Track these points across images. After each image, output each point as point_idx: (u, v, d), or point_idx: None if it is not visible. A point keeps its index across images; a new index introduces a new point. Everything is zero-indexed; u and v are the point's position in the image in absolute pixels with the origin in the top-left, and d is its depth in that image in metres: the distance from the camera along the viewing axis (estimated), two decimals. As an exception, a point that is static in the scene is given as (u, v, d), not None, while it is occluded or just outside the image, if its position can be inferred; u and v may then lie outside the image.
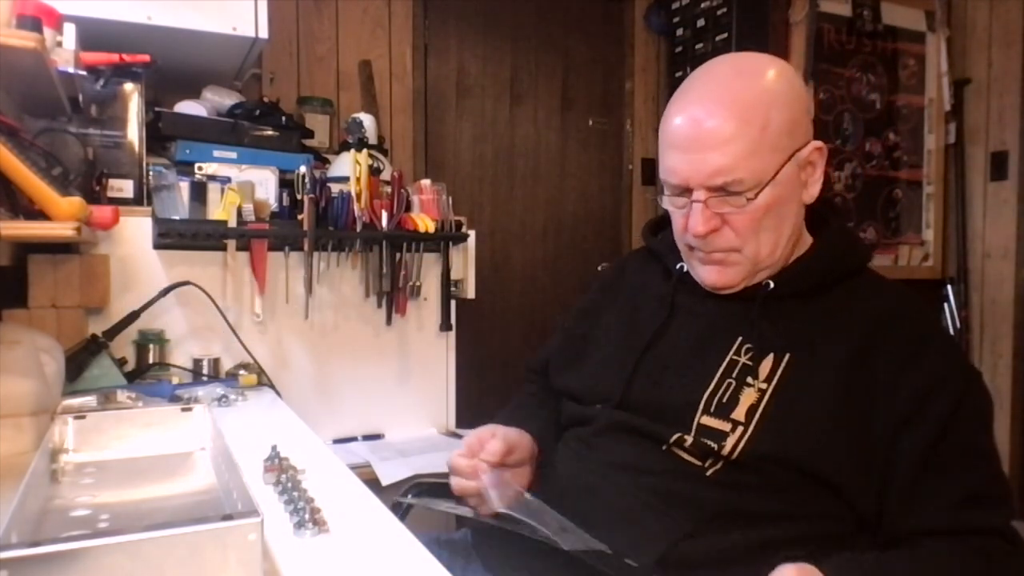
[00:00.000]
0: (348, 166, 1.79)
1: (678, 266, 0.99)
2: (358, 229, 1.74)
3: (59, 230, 1.06)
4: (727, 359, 0.89)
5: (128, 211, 1.54)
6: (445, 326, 1.91)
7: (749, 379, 0.87)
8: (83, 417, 0.91)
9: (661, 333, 0.96)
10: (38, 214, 1.07)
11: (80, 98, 1.47)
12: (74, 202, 1.07)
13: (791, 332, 0.88)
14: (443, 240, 1.88)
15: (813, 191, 0.91)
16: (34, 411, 0.95)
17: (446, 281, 1.90)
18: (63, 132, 1.51)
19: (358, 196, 1.75)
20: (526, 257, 2.98)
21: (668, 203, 0.93)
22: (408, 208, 1.85)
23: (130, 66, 1.62)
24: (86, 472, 0.86)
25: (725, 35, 2.83)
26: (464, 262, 1.95)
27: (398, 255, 1.82)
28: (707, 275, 0.93)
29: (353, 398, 1.84)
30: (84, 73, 1.48)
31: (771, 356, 0.87)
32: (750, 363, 0.88)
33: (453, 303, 1.93)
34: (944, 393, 0.82)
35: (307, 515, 0.76)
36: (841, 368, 0.84)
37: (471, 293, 1.98)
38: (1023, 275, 3.14)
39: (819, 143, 0.90)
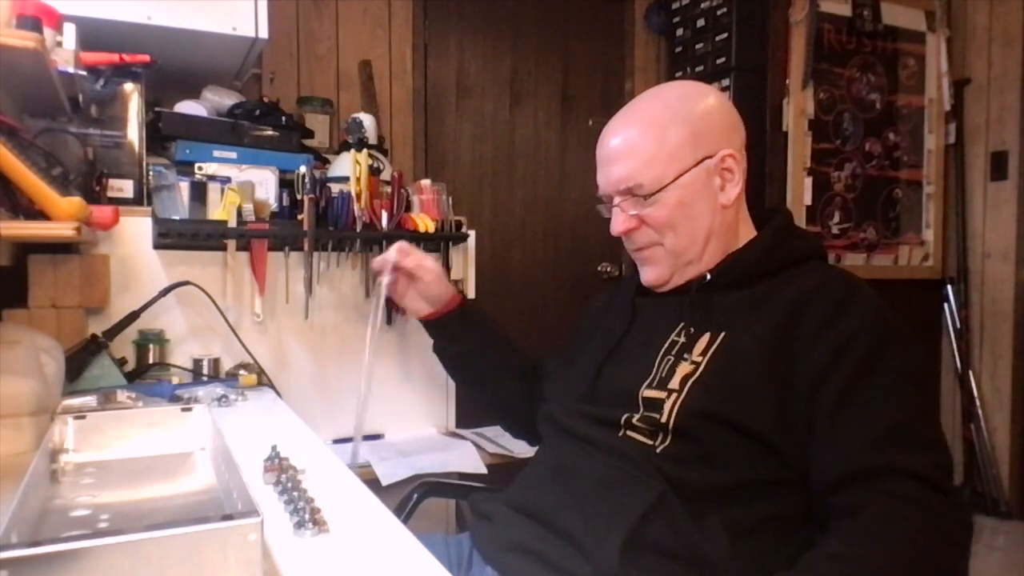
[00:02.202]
0: (348, 166, 1.79)
1: (635, 277, 1.12)
2: (358, 229, 1.74)
3: (59, 230, 1.06)
4: (668, 341, 1.00)
5: (128, 211, 1.54)
6: (445, 326, 1.91)
7: (685, 355, 0.96)
8: (83, 417, 0.91)
9: (624, 336, 1.09)
10: (38, 214, 1.07)
11: (80, 98, 1.47)
12: (74, 202, 1.07)
13: (727, 314, 0.97)
14: (443, 240, 1.88)
15: (731, 193, 1.03)
16: (34, 411, 0.95)
17: (446, 281, 1.90)
18: (63, 132, 1.51)
19: (358, 196, 1.75)
20: (526, 257, 2.98)
21: (604, 212, 1.10)
22: (408, 208, 1.85)
23: (130, 66, 1.62)
24: (86, 472, 0.86)
25: (725, 35, 2.83)
26: (464, 262, 1.95)
27: (398, 255, 1.82)
28: (643, 274, 1.08)
29: (353, 398, 1.83)
30: (84, 73, 1.48)
31: (707, 334, 0.96)
32: (687, 342, 0.97)
33: (453, 303, 1.93)
34: (859, 344, 0.86)
35: (307, 515, 0.76)
36: (768, 336, 0.91)
37: (471, 293, 1.98)
38: (1023, 275, 3.14)
39: (730, 151, 1.02)
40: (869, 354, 0.86)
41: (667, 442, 0.91)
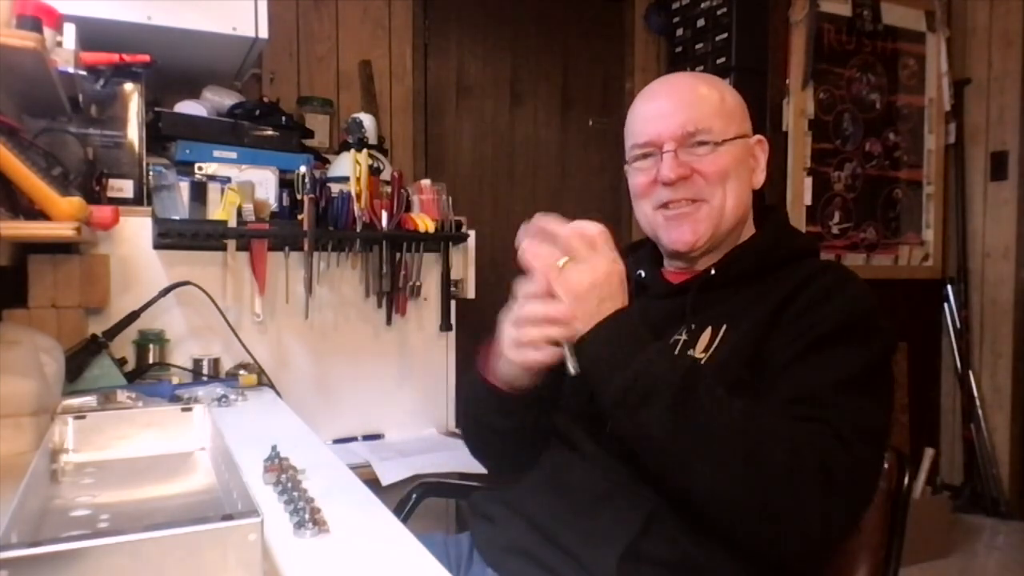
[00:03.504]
0: (348, 166, 1.79)
1: (637, 272, 1.07)
2: (358, 229, 1.74)
3: (59, 230, 1.06)
4: (672, 339, 0.96)
5: (128, 211, 1.54)
6: (445, 326, 1.91)
7: (689, 351, 0.93)
8: (83, 417, 0.91)
9: None
10: (38, 214, 1.07)
11: (80, 98, 1.47)
12: (74, 202, 1.07)
13: (729, 309, 0.95)
14: (443, 240, 1.88)
15: (759, 178, 1.03)
16: (34, 411, 0.95)
17: (446, 281, 1.90)
18: (63, 132, 1.51)
19: (358, 196, 1.75)
20: (526, 257, 2.97)
21: (636, 171, 1.01)
22: (408, 208, 1.85)
23: (130, 66, 1.62)
24: (86, 472, 0.86)
25: (725, 35, 2.83)
26: (464, 262, 1.95)
27: (398, 255, 1.82)
28: (677, 234, 0.99)
29: (353, 398, 1.84)
30: (84, 73, 1.48)
31: (709, 329, 0.94)
32: (689, 339, 0.95)
33: (453, 303, 1.93)
34: (828, 317, 0.86)
35: (307, 515, 0.76)
36: (760, 324, 0.90)
37: (471, 293, 1.98)
38: (1023, 275, 3.14)
39: (761, 137, 1.03)
40: (836, 328, 0.85)
41: None
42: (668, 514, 0.85)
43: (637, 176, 1.01)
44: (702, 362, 0.91)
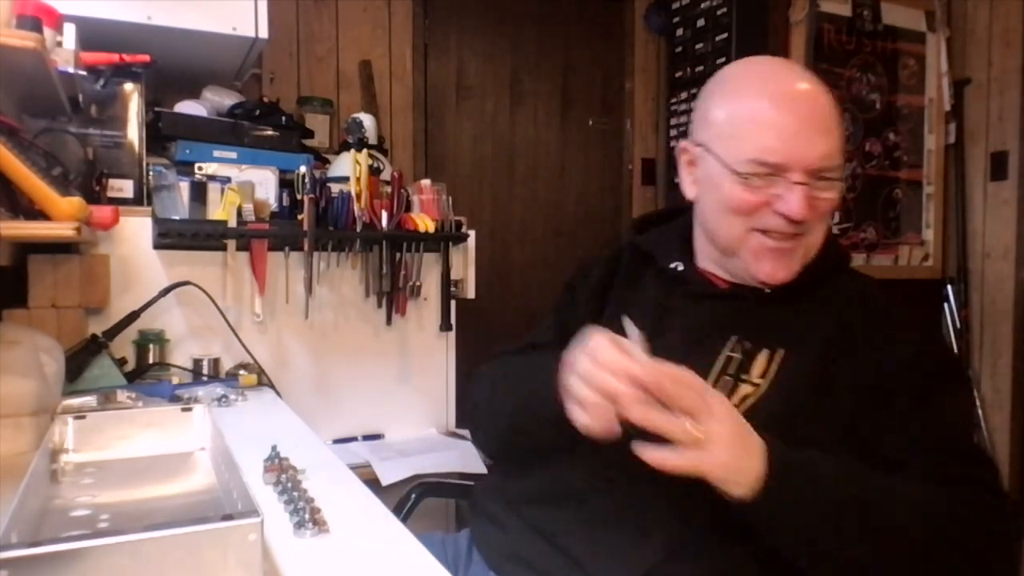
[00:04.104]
0: (348, 166, 1.79)
1: (672, 265, 0.99)
2: (358, 229, 1.74)
3: (59, 230, 1.06)
4: (722, 356, 0.89)
5: (128, 211, 1.54)
6: (445, 326, 1.91)
7: (743, 376, 0.88)
8: (83, 417, 0.91)
9: (654, 335, 0.93)
10: (38, 214, 1.07)
11: (80, 98, 1.47)
12: (74, 202, 1.07)
13: (782, 328, 0.90)
14: (443, 240, 1.88)
15: None
16: (34, 411, 0.95)
17: (446, 281, 1.90)
18: (63, 132, 1.51)
19: (358, 196, 1.75)
20: (526, 257, 2.97)
21: (742, 185, 0.88)
22: (408, 208, 1.85)
23: (130, 66, 1.62)
24: (86, 472, 0.86)
25: (725, 35, 2.83)
26: (464, 262, 1.95)
27: (398, 255, 1.82)
28: (771, 268, 0.90)
29: (353, 398, 1.84)
30: (84, 73, 1.48)
31: (765, 352, 0.88)
32: (744, 360, 0.89)
33: (453, 303, 1.93)
34: (923, 364, 0.86)
35: (307, 515, 0.76)
36: (824, 355, 0.87)
37: (471, 293, 1.98)
38: (1023, 275, 3.14)
39: None
40: (938, 373, 0.86)
41: None
42: (698, 535, 0.82)
43: (743, 192, 0.88)
44: (761, 389, 0.86)
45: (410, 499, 1.28)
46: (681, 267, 0.98)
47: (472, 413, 1.08)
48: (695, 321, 0.93)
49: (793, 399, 0.84)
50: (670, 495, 0.80)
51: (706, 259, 0.98)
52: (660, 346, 0.89)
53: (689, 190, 0.98)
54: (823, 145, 0.86)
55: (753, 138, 0.87)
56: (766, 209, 0.88)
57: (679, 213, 1.08)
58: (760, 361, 0.88)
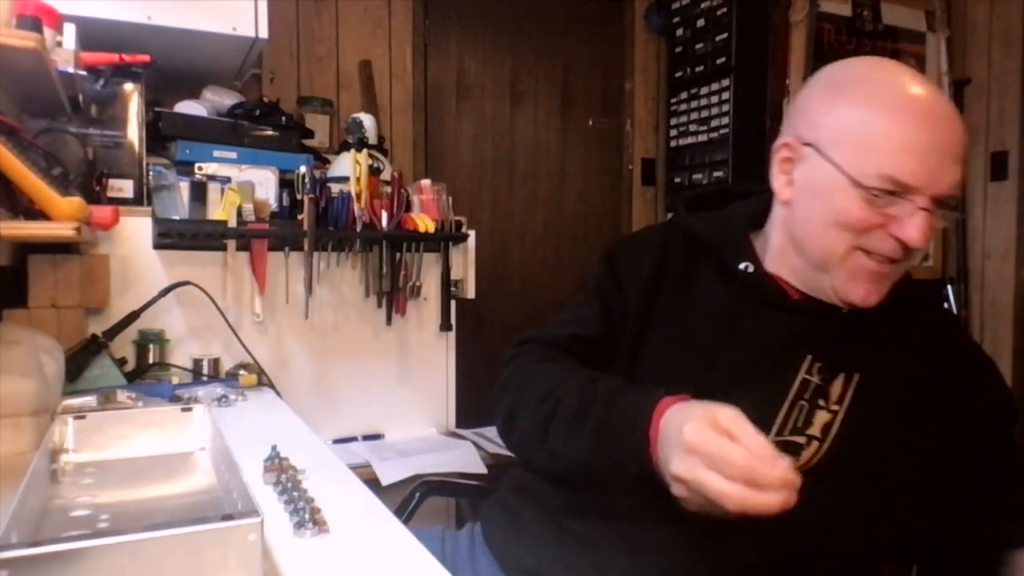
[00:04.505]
0: (348, 166, 1.79)
1: (742, 266, 0.90)
2: (358, 229, 1.74)
3: (59, 230, 1.06)
4: (799, 379, 0.84)
5: (128, 211, 1.54)
6: (445, 326, 1.91)
7: (821, 401, 0.83)
8: (83, 417, 0.90)
9: (722, 343, 0.88)
10: (38, 214, 1.07)
11: (80, 98, 1.47)
12: (74, 202, 1.07)
13: (858, 351, 0.86)
14: (443, 240, 1.88)
15: None
16: (34, 411, 0.95)
17: (446, 281, 1.90)
18: (63, 132, 1.51)
19: (358, 196, 1.75)
20: (526, 257, 2.97)
21: (861, 199, 0.80)
22: (408, 208, 1.85)
23: (130, 66, 1.62)
24: (86, 472, 0.85)
25: (725, 35, 2.83)
26: (464, 262, 1.95)
27: (398, 255, 1.82)
28: (865, 291, 0.83)
29: (353, 398, 1.84)
30: (84, 73, 1.48)
31: (842, 376, 0.84)
32: (821, 383, 0.84)
33: (453, 303, 1.93)
34: (1006, 413, 0.89)
35: (307, 515, 0.76)
36: (905, 386, 0.86)
37: (471, 293, 1.98)
38: (1023, 275, 3.14)
39: None
40: (1011, 423, 0.90)
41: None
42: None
43: (861, 207, 0.80)
44: (839, 416, 0.83)
45: (414, 498, 1.28)
46: (751, 268, 0.90)
47: (510, 428, 0.95)
48: (767, 335, 0.87)
49: (875, 427, 0.83)
50: (727, 528, 0.72)
51: (779, 263, 0.90)
52: (729, 360, 0.86)
53: (783, 191, 0.88)
54: (955, 173, 0.80)
55: (890, 153, 0.79)
56: (881, 231, 0.80)
57: (733, 196, 1.01)
58: (836, 386, 0.84)
